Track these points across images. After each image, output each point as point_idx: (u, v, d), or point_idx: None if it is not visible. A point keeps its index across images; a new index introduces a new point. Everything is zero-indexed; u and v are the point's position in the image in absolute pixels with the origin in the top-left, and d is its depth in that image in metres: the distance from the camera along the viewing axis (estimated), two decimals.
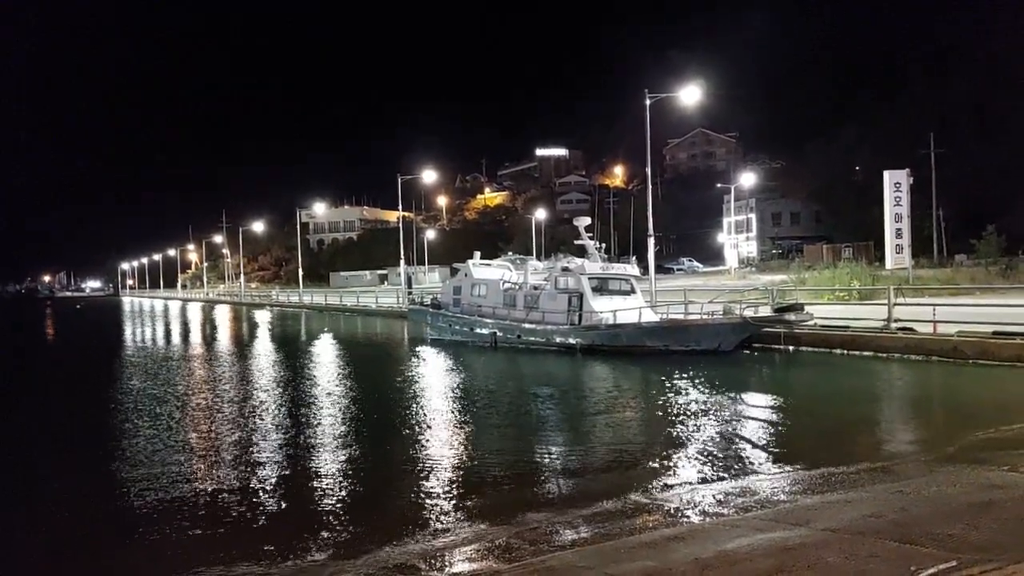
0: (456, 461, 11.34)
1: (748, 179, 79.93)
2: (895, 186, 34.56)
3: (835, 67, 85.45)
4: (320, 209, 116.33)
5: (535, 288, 26.94)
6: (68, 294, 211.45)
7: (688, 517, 7.99)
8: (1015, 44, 60.63)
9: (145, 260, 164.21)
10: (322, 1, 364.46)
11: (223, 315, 65.57)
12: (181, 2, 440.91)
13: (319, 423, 14.65)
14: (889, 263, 34.88)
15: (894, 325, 20.95)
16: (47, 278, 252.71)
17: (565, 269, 25.84)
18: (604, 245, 30.15)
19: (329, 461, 11.62)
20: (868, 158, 63.80)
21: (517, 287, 27.84)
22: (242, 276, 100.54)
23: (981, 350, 18.15)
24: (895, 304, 21.66)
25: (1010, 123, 57.30)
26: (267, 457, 11.99)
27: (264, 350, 31.89)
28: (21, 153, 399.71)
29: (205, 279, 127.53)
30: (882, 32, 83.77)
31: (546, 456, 11.41)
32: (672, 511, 8.28)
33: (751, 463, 10.43)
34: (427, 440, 12.91)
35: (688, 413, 14.35)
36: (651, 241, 31.96)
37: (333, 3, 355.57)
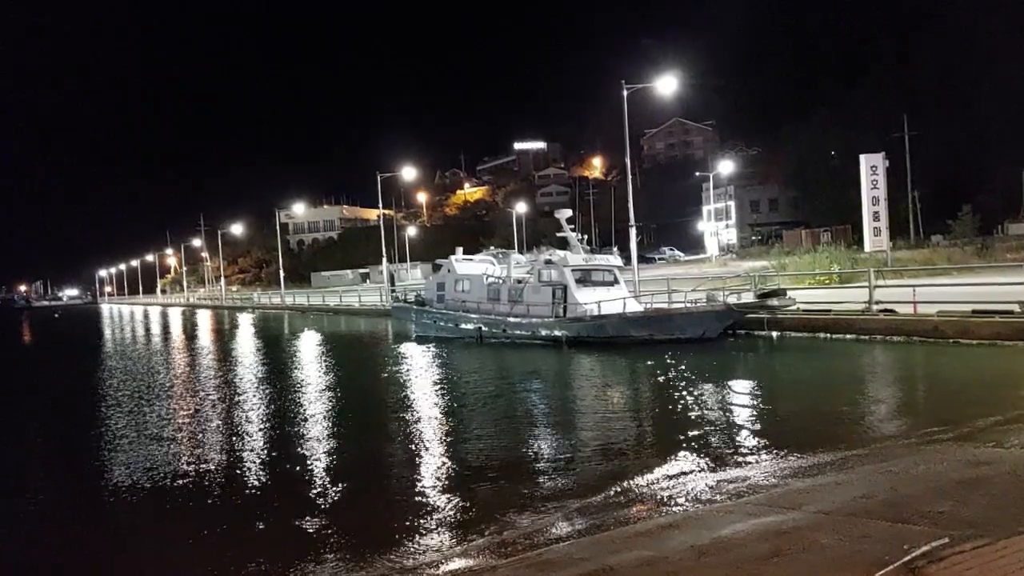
0: (447, 457, 11.32)
1: (726, 167, 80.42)
2: (871, 169, 34.89)
3: (802, 50, 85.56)
4: (299, 209, 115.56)
5: (519, 282, 26.95)
6: (45, 303, 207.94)
7: (682, 505, 8.03)
8: (983, 14, 61.05)
9: (123, 266, 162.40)
10: (297, 1, 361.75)
11: (204, 320, 64.97)
12: (157, 4, 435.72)
13: (308, 423, 14.55)
14: (868, 246, 35.26)
15: (875, 307, 21.17)
16: (23, 288, 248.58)
17: (548, 262, 25.84)
18: (586, 236, 30.25)
19: (320, 459, 11.56)
20: (840, 141, 64.23)
21: (501, 281, 27.83)
22: (223, 279, 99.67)
23: (961, 329, 18.39)
24: (875, 286, 21.91)
25: (980, 95, 57.73)
26: (257, 458, 11.90)
27: (248, 353, 31.63)
28: None
29: (185, 283, 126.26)
30: (848, 9, 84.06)
31: (538, 449, 11.42)
32: (666, 500, 8.32)
33: (742, 449, 10.50)
34: (417, 437, 12.89)
35: (676, 402, 14.42)
36: (632, 231, 32.04)
37: (308, 2, 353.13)
